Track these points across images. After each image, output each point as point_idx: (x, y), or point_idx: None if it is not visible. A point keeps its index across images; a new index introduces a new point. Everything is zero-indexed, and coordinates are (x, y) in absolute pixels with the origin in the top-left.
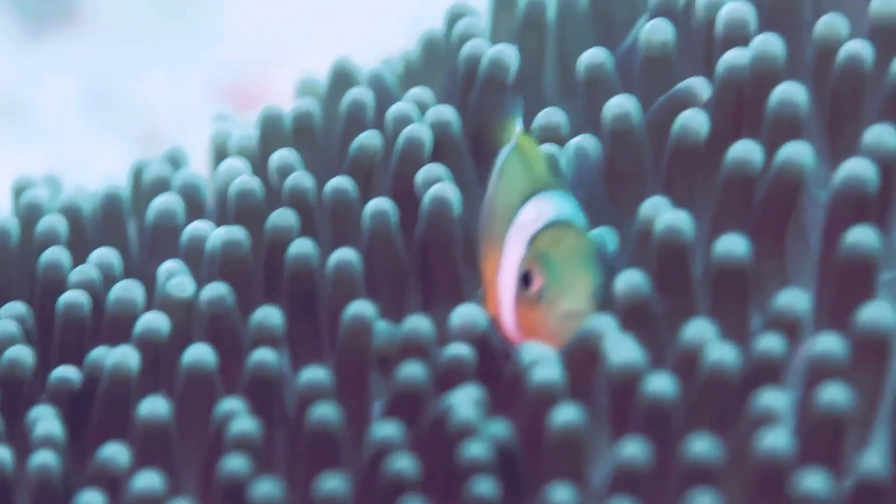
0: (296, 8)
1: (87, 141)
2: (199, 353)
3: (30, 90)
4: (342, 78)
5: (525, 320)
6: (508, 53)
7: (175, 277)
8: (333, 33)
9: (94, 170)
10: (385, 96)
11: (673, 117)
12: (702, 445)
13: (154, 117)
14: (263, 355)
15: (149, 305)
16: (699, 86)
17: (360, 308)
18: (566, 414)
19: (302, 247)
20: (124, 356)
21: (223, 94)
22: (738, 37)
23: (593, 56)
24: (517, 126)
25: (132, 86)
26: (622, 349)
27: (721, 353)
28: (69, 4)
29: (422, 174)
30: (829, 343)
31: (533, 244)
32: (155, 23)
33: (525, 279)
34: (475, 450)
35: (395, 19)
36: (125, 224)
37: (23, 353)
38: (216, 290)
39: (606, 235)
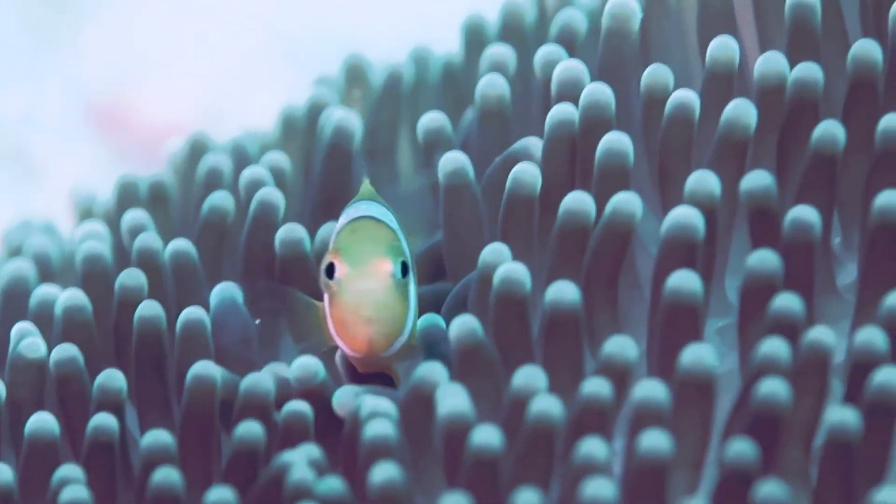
0: (164, 26)
1: None
2: (41, 420)
3: None
4: (198, 147)
5: (334, 313)
6: (352, 121)
7: (27, 339)
8: (200, 53)
9: None
10: (244, 163)
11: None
12: (526, 498)
13: (19, 134)
14: (103, 420)
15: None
16: (534, 145)
17: (204, 368)
18: (384, 472)
19: (148, 308)
20: None
21: (90, 112)
22: (570, 95)
23: (431, 120)
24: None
25: None
26: (450, 399)
27: (545, 403)
28: None
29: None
30: (649, 388)
31: (335, 241)
32: (19, 38)
33: (329, 274)
34: None
35: (259, 37)
36: None
37: None
38: (65, 351)
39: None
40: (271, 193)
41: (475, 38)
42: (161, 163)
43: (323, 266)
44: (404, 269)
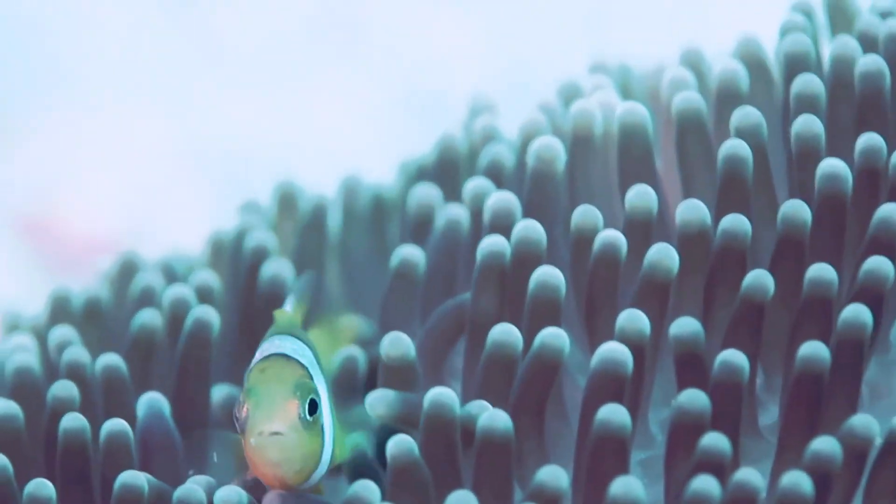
0: (89, 141)
1: None
2: None
3: None
4: (129, 264)
5: (247, 453)
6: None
7: None
8: (124, 168)
9: None
10: (174, 281)
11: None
12: None
13: None
14: None
15: None
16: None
17: (132, 477)
18: None
19: (73, 420)
20: None
21: (16, 222)
22: (501, 226)
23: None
24: (287, 304)
25: None
26: None
27: None
28: None
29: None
30: None
31: (246, 381)
32: None
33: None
34: None
35: (180, 153)
36: None
37: None
38: None
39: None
40: (206, 311)
41: (407, 172)
42: (85, 275)
43: (235, 408)
44: (313, 407)
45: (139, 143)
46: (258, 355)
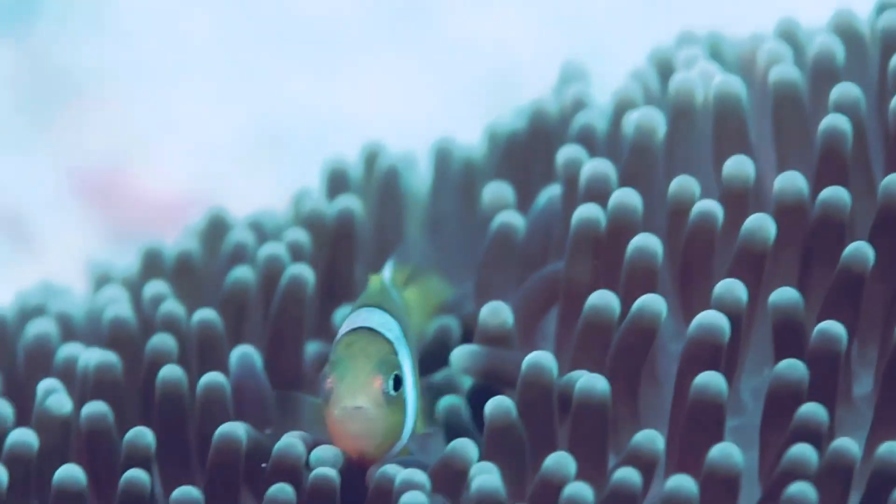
0: (158, 107)
1: None
2: (69, 472)
3: None
4: (217, 221)
5: (329, 423)
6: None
7: (53, 395)
8: (191, 135)
9: None
10: (264, 239)
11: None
12: None
13: (15, 204)
14: (135, 474)
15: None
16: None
17: (231, 428)
18: None
19: (171, 371)
20: None
21: (83, 184)
22: (597, 194)
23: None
24: (387, 269)
25: None
26: (484, 476)
27: (578, 488)
28: None
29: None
30: (681, 481)
31: (332, 353)
32: (15, 114)
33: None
34: None
35: (248, 122)
36: (11, 346)
37: None
38: (96, 407)
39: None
40: (302, 270)
41: (495, 137)
42: (153, 237)
43: (321, 376)
44: (397, 383)
45: (209, 113)
46: (345, 326)
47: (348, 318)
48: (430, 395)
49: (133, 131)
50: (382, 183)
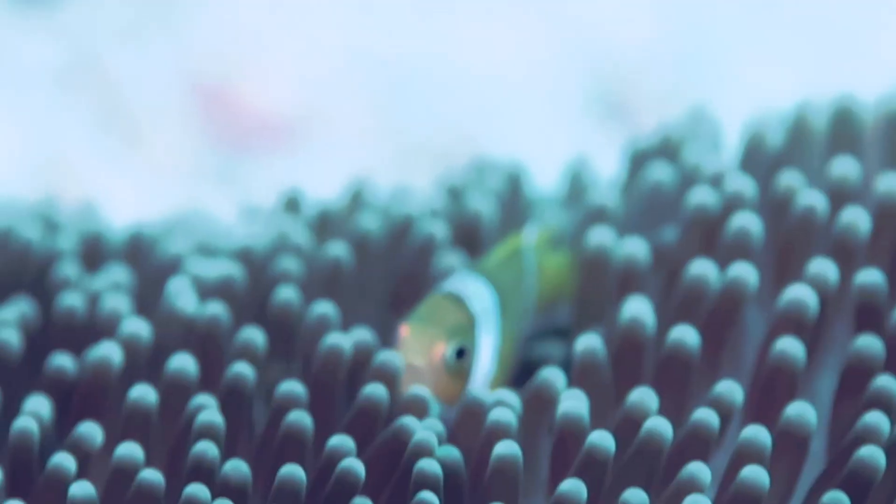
0: (277, 17)
1: (57, 111)
2: (182, 361)
3: (11, 54)
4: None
5: None
6: None
7: (180, 294)
8: (302, 53)
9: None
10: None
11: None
12: (631, 496)
13: (125, 99)
14: (240, 368)
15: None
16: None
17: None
18: (506, 447)
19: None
20: (107, 350)
21: (194, 88)
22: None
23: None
24: (532, 232)
25: (107, 63)
26: (572, 401)
27: (657, 422)
28: None
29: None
30: (755, 430)
31: (419, 304)
32: (137, 7)
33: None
34: (426, 464)
35: (353, 54)
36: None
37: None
38: (215, 308)
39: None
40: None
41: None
42: (253, 152)
43: (401, 320)
44: (460, 353)
45: (317, 38)
46: (442, 284)
47: (449, 278)
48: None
49: (243, 48)
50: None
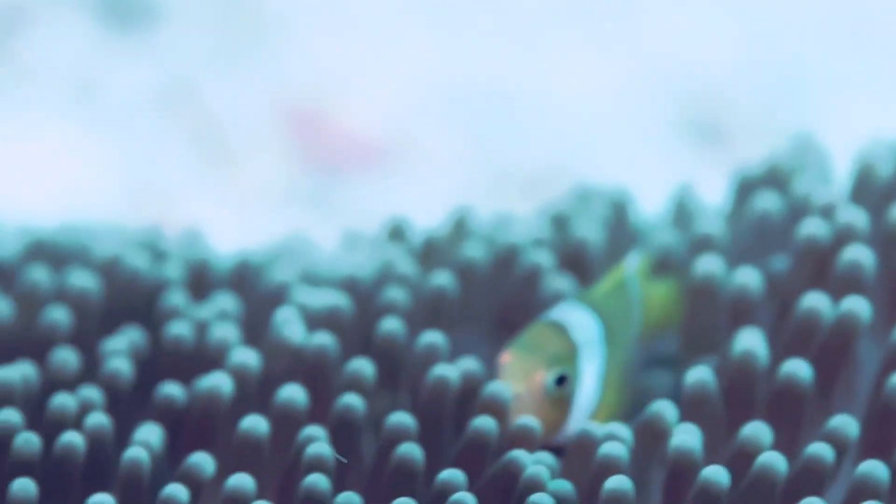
0: (366, 45)
1: (153, 135)
2: (292, 392)
3: (105, 77)
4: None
5: None
6: None
7: (290, 324)
8: (398, 74)
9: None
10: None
11: None
12: None
13: (219, 124)
14: (352, 399)
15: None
16: None
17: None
18: (617, 482)
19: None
20: (218, 380)
21: (286, 114)
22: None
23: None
24: (634, 261)
25: (200, 89)
26: (685, 435)
27: (771, 456)
28: (149, 6)
29: None
30: (873, 465)
31: (524, 330)
32: (228, 34)
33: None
34: (539, 499)
35: (441, 86)
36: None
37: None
38: (323, 338)
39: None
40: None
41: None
42: (346, 176)
43: (505, 346)
44: (561, 380)
45: (407, 67)
46: (547, 312)
47: (555, 307)
48: (634, 397)
49: (333, 74)
50: (613, 215)
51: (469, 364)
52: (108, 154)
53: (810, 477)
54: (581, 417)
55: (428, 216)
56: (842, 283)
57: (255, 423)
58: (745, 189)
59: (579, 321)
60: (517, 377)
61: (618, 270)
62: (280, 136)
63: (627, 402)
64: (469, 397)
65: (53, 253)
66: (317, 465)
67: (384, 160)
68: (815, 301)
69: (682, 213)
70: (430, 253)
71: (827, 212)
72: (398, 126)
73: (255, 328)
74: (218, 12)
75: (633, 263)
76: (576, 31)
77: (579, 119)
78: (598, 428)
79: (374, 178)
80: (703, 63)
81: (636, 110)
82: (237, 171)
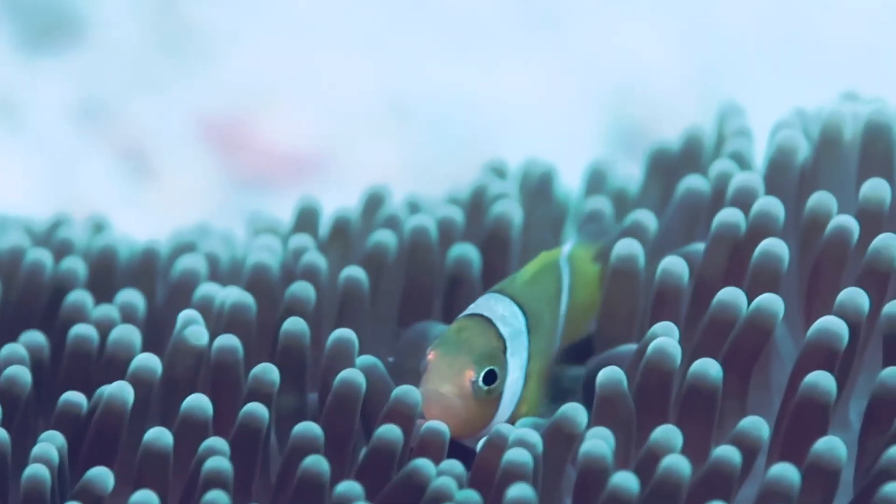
0: (295, 56)
1: (73, 149)
2: (198, 401)
3: (27, 94)
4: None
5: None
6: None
7: (192, 326)
8: (317, 94)
9: (76, 173)
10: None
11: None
12: None
13: (139, 137)
14: (254, 408)
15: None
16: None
17: (351, 374)
18: (519, 490)
19: (294, 324)
20: (120, 389)
21: (212, 128)
22: (741, 202)
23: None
24: (569, 244)
25: (123, 104)
26: (596, 440)
27: (675, 459)
28: (71, 23)
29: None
30: (784, 469)
31: (447, 329)
32: (152, 49)
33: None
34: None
35: (373, 93)
36: (154, 278)
37: (22, 373)
38: (228, 340)
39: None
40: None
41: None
42: (269, 189)
43: (429, 347)
44: (491, 378)
45: (335, 78)
46: (470, 308)
47: (476, 301)
48: (552, 385)
49: (259, 87)
50: (537, 186)
51: (366, 359)
52: (31, 171)
53: (717, 480)
54: (507, 412)
55: None
56: (757, 275)
57: (158, 435)
58: (658, 160)
59: (504, 312)
60: (445, 377)
61: (546, 255)
62: (206, 150)
63: (548, 391)
64: (376, 399)
65: None
66: (216, 481)
67: (313, 172)
68: (730, 295)
69: (598, 178)
70: (340, 237)
71: (743, 192)
72: (327, 136)
73: (160, 323)
74: (143, 27)
75: (566, 247)
76: (509, 38)
77: (512, 125)
78: (510, 430)
79: (301, 189)
80: (635, 68)
81: (569, 117)
82: (160, 185)
